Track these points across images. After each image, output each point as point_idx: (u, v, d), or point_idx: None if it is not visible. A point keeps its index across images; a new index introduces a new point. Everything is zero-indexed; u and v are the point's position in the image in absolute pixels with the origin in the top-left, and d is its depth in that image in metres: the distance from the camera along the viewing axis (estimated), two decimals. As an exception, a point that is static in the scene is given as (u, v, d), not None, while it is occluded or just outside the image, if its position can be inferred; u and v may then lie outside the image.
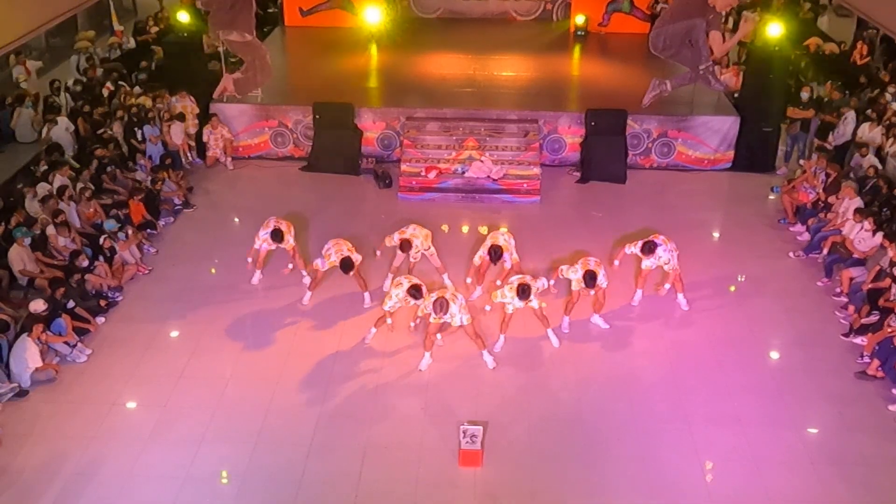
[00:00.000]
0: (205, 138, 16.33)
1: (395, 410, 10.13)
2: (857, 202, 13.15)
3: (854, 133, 15.76)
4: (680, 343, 11.29)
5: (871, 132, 15.45)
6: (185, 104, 16.55)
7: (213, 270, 12.99)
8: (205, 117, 16.56)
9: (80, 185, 13.64)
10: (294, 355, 11.04)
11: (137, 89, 17.37)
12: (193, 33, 17.32)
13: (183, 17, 17.37)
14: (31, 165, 14.50)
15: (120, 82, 17.60)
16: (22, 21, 14.19)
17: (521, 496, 8.97)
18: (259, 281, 12.45)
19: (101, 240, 12.64)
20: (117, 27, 20.91)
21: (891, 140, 15.07)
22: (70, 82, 17.57)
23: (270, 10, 22.74)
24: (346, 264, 11.15)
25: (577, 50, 20.91)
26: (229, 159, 16.45)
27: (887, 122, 15.46)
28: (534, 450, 9.55)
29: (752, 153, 16.39)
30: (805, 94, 16.50)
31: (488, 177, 15.41)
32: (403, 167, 15.71)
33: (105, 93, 17.04)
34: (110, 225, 12.97)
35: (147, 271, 12.90)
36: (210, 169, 16.32)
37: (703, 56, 14.93)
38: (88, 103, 16.37)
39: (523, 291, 10.35)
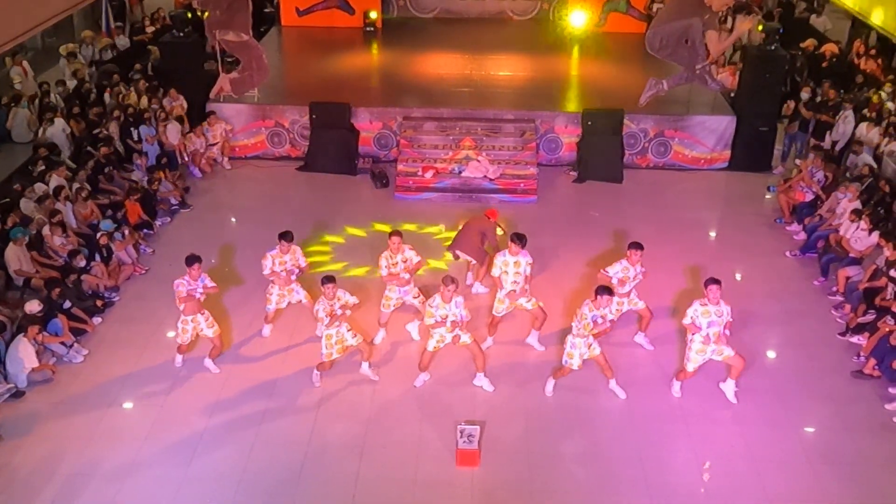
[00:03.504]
0: (197, 146, 16.10)
1: (392, 410, 10.13)
2: (856, 203, 13.18)
3: (853, 132, 15.82)
4: (677, 343, 11.28)
5: (868, 133, 15.50)
6: (176, 104, 16.51)
7: (212, 267, 12.96)
8: (202, 117, 16.54)
9: (76, 186, 13.62)
10: (291, 355, 11.03)
11: (133, 89, 17.31)
12: (190, 33, 17.28)
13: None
14: (28, 165, 14.45)
15: (110, 81, 17.56)
16: (18, 21, 14.16)
17: (519, 496, 8.97)
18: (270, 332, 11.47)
19: (98, 236, 12.62)
20: (113, 25, 20.81)
21: (886, 139, 15.11)
22: (60, 85, 17.44)
23: (267, 10, 22.72)
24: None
25: (573, 50, 20.92)
26: (226, 159, 16.42)
27: (886, 121, 15.50)
28: (531, 449, 9.55)
29: (749, 152, 16.42)
30: (805, 95, 16.52)
31: (485, 176, 15.41)
32: (400, 167, 15.70)
33: (107, 96, 16.96)
34: (107, 225, 12.94)
35: (144, 271, 12.89)
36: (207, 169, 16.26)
37: (700, 56, 14.97)
38: (79, 104, 16.31)
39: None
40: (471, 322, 10.39)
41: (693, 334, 9.82)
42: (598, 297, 9.57)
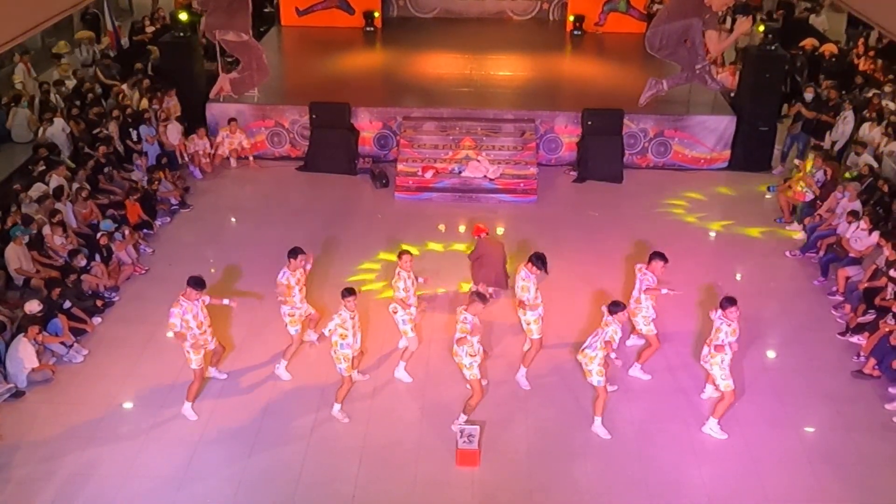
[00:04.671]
0: (218, 139, 16.22)
1: (392, 410, 10.13)
2: (856, 202, 13.17)
3: (853, 132, 15.83)
4: (677, 343, 11.29)
5: (871, 132, 15.52)
6: (170, 105, 16.52)
7: (212, 270, 12.96)
8: (202, 117, 16.55)
9: (75, 186, 13.62)
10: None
11: (131, 89, 17.31)
12: (191, 33, 17.28)
13: (183, 17, 17.29)
14: (29, 165, 14.47)
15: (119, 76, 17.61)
16: (18, 20, 14.15)
17: (519, 496, 8.97)
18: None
19: (98, 236, 12.62)
20: (109, 28, 20.77)
21: (886, 139, 15.12)
22: (60, 85, 17.47)
23: (267, 10, 22.73)
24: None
25: (573, 49, 20.93)
26: (233, 158, 16.36)
27: (886, 121, 15.51)
28: (531, 449, 9.55)
29: (749, 152, 16.42)
30: (809, 95, 16.53)
31: (485, 176, 15.41)
32: (400, 167, 15.70)
33: (125, 87, 16.94)
34: (107, 225, 12.94)
35: (143, 271, 12.89)
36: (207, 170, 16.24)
37: (700, 55, 14.98)
38: (78, 104, 16.31)
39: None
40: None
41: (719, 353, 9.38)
42: (616, 313, 9.18)
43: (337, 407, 9.96)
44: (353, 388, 10.21)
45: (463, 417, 9.68)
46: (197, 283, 9.56)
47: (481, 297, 9.27)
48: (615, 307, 9.24)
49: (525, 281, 10.06)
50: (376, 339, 11.13)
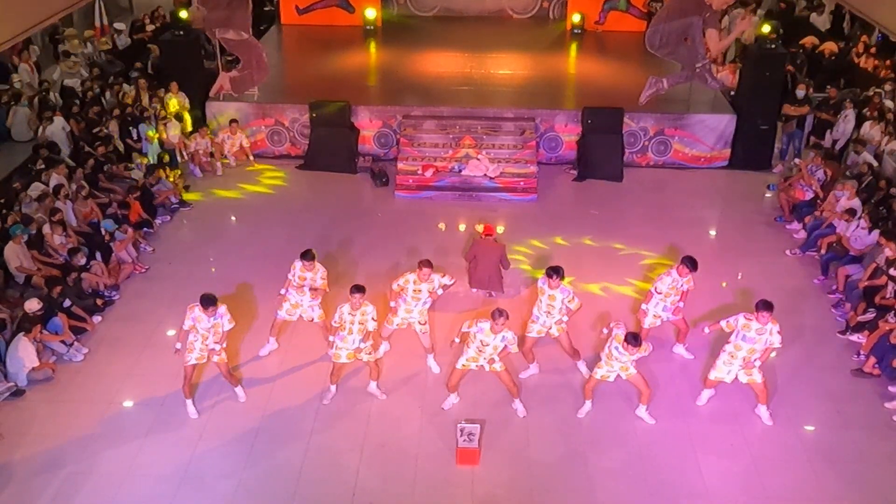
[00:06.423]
0: (219, 140, 16.19)
1: (392, 409, 10.13)
2: (855, 201, 13.16)
3: (853, 131, 15.83)
4: (675, 342, 11.29)
5: (871, 130, 15.51)
6: (178, 100, 16.51)
7: (212, 270, 12.98)
8: (202, 116, 16.55)
9: (74, 185, 13.60)
10: (291, 353, 11.02)
11: (131, 87, 17.31)
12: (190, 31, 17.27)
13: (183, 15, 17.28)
14: (28, 164, 14.46)
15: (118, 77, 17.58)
16: (18, 19, 14.16)
17: (519, 495, 8.97)
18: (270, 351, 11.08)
19: (102, 231, 12.62)
20: (97, 25, 20.71)
21: (887, 138, 15.11)
22: (84, 85, 17.50)
23: (267, 8, 22.72)
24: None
25: (573, 48, 20.92)
26: (232, 158, 16.31)
27: (885, 120, 15.51)
28: (531, 448, 9.55)
29: (749, 151, 16.41)
30: (801, 92, 16.52)
31: (485, 175, 15.40)
32: (400, 165, 15.70)
33: (121, 94, 16.95)
34: (109, 226, 12.92)
35: (143, 270, 12.88)
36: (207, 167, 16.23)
37: (700, 54, 14.99)
38: (78, 103, 16.31)
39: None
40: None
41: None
42: (628, 345, 9.24)
43: (329, 388, 10.13)
44: (354, 386, 10.26)
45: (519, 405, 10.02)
46: (208, 301, 9.51)
47: (502, 313, 9.28)
48: (628, 339, 9.27)
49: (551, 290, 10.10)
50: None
